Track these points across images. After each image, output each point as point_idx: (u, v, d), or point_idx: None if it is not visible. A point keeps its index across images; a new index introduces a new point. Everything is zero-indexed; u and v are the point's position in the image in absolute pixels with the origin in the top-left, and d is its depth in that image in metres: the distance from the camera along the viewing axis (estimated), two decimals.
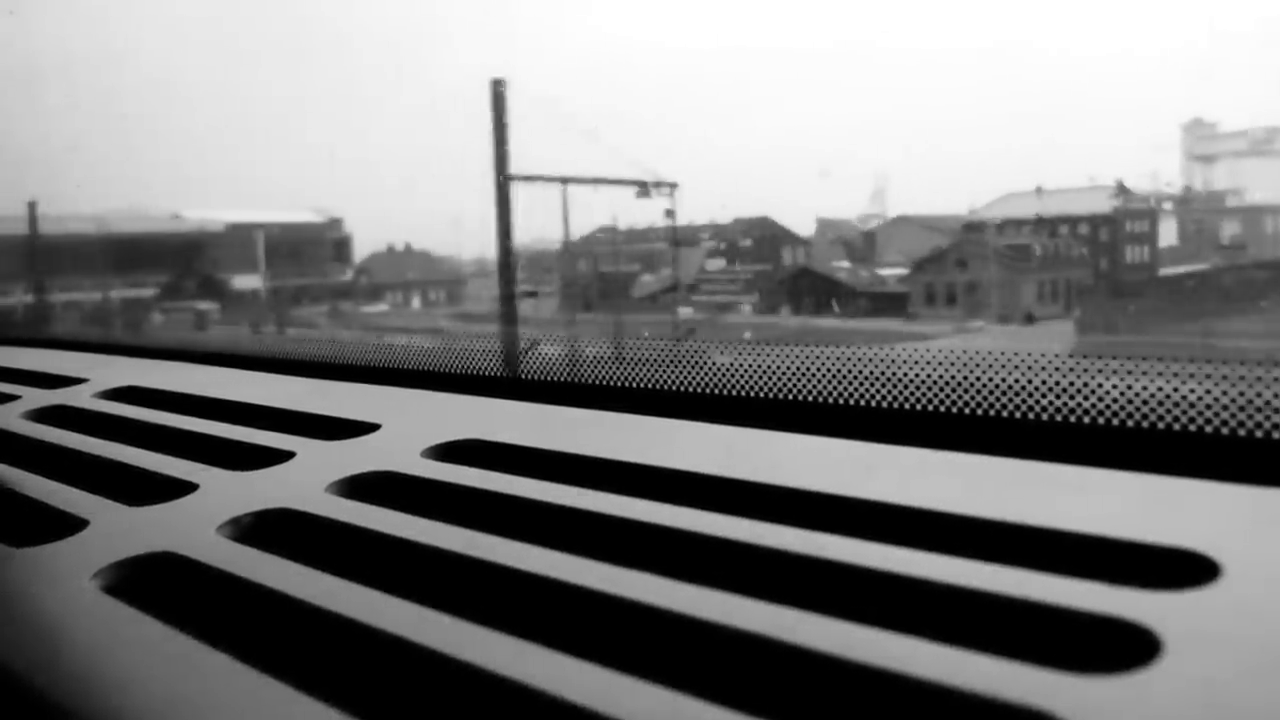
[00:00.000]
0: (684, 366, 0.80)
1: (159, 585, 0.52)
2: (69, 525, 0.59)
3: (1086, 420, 0.63)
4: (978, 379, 0.66)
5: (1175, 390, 0.58)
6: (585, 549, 0.47)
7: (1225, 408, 0.58)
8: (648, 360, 0.83)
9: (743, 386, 0.79)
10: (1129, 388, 0.59)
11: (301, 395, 0.92)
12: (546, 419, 0.77)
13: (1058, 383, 0.63)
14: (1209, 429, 0.58)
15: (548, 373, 0.92)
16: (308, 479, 0.64)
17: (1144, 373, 0.60)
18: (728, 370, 0.78)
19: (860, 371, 0.71)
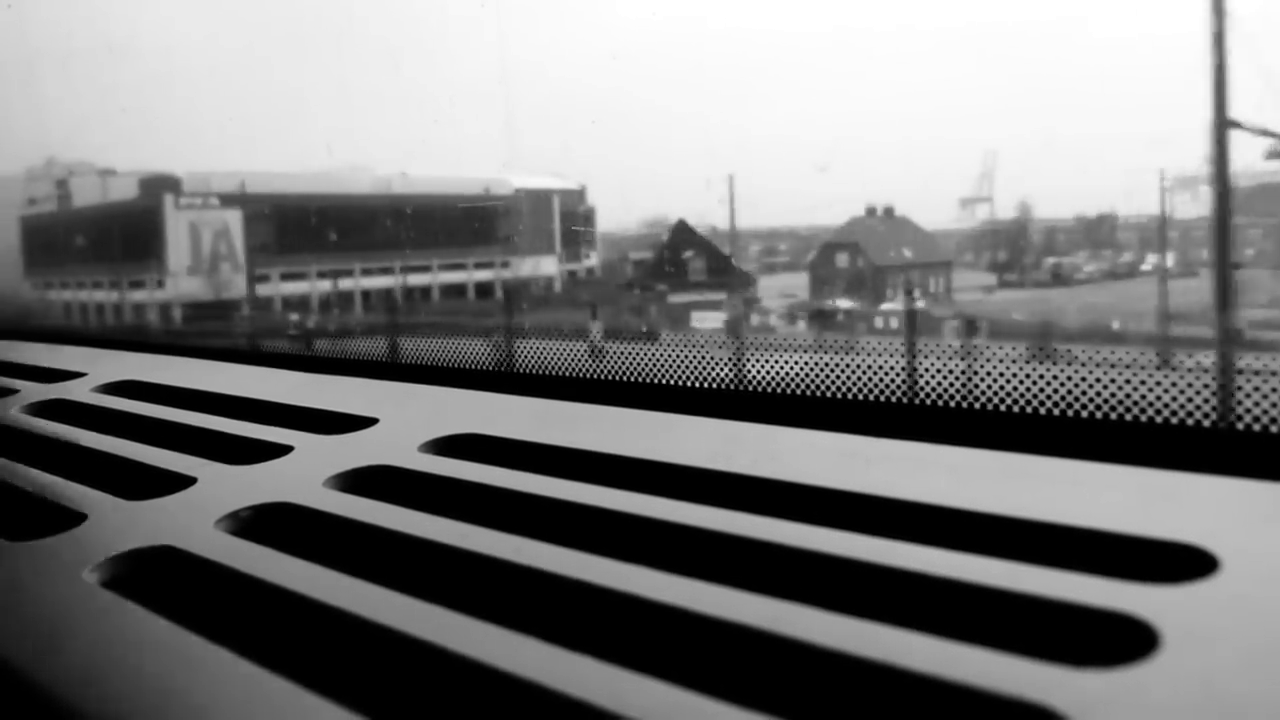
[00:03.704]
0: None
1: (157, 579, 0.52)
2: (68, 519, 0.59)
3: (1084, 414, 0.63)
4: None
5: None
6: (583, 543, 0.47)
7: (1223, 401, 0.58)
8: None
9: (740, 381, 0.79)
10: None
11: (299, 389, 0.92)
12: (544, 413, 0.77)
13: None
14: (1206, 423, 0.58)
15: (543, 366, 0.92)
16: (305, 473, 0.64)
17: None
18: None
19: None
